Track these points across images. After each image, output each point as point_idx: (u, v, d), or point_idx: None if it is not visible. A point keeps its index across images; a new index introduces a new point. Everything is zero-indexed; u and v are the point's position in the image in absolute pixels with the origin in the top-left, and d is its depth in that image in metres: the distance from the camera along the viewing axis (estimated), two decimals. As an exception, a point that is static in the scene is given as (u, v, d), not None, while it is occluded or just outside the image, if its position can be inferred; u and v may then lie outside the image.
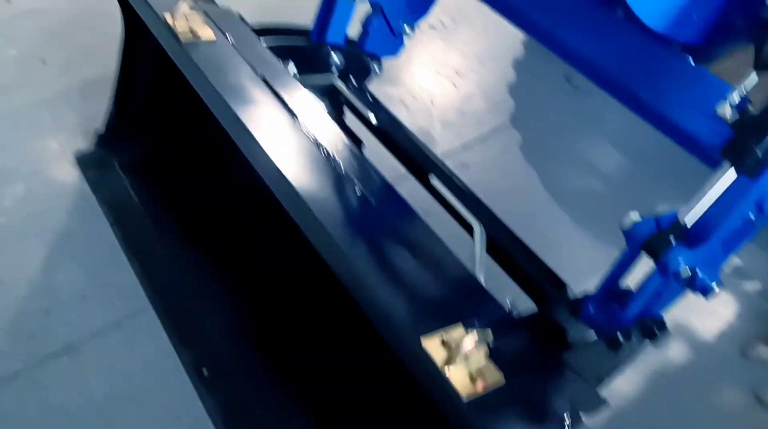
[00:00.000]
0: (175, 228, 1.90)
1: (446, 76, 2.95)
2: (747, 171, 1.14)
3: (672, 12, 1.35)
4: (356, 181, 1.33)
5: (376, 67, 2.04)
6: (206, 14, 1.68)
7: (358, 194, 1.32)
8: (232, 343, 1.64)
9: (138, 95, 2.05)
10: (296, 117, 1.48)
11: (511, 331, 1.17)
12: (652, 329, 1.35)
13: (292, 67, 1.81)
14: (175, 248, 1.84)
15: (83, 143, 2.20)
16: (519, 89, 2.92)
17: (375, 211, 1.30)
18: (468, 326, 1.08)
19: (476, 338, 1.04)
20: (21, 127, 2.31)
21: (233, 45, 1.64)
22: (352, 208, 1.30)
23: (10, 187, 2.09)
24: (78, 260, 1.90)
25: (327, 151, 1.39)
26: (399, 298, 1.16)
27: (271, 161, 1.32)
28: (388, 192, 1.35)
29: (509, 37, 3.02)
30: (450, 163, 2.47)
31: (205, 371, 1.57)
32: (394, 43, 2.07)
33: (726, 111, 1.17)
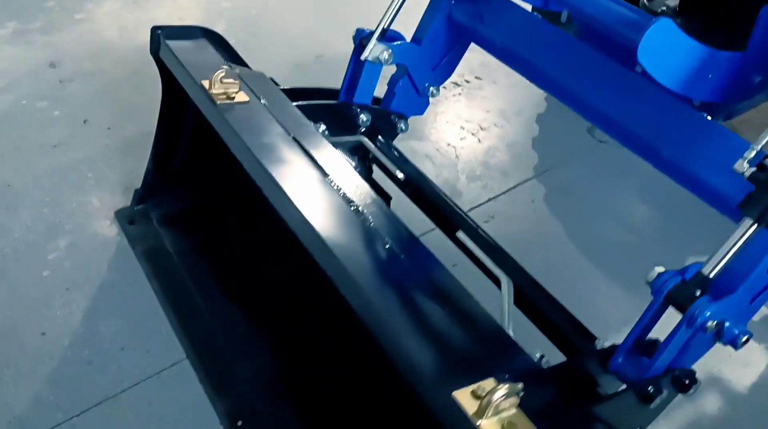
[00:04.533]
0: (210, 280, 1.96)
1: (470, 131, 3.02)
2: (766, 225, 1.17)
3: (687, 73, 1.40)
4: (384, 235, 1.38)
5: (402, 125, 2.12)
6: (240, 78, 1.78)
7: (387, 248, 1.36)
8: (267, 394, 1.68)
9: (176, 153, 2.15)
10: (326, 174, 1.54)
11: (542, 382, 1.19)
12: (683, 381, 1.36)
13: (321, 127, 1.89)
14: (210, 300, 1.89)
15: (123, 198, 2.30)
16: (543, 143, 2.98)
17: (404, 265, 1.35)
18: (498, 379, 1.11)
19: (507, 390, 1.06)
20: (64, 184, 2.42)
21: (265, 106, 1.73)
22: (381, 261, 1.35)
23: (54, 241, 2.19)
24: (118, 312, 1.97)
25: (356, 207, 1.44)
26: (430, 352, 1.19)
27: (302, 215, 1.38)
28: (415, 246, 1.40)
29: (531, 92, 3.09)
30: (476, 215, 2.55)
31: (240, 423, 1.60)
32: (420, 102, 2.16)
33: (743, 167, 1.20)
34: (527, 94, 3.19)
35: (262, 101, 1.74)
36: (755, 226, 1.20)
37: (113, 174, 2.47)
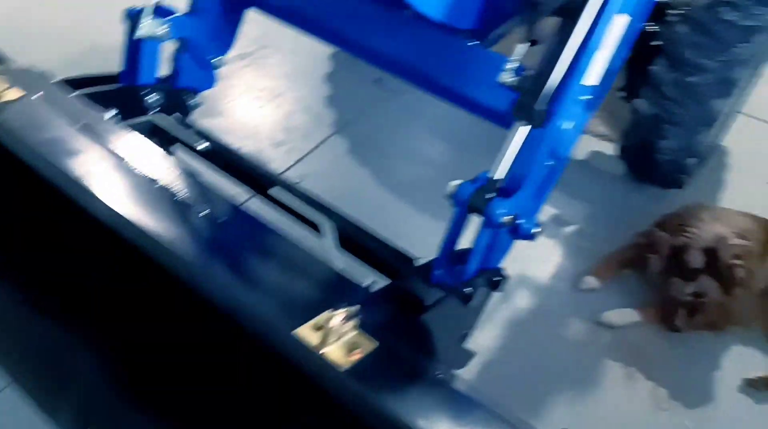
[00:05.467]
0: (25, 296, 1.82)
1: (266, 100, 3.04)
2: (535, 123, 1.35)
3: (446, 3, 1.54)
4: (197, 206, 1.38)
5: (194, 101, 2.09)
6: (8, 74, 1.65)
7: (202, 216, 1.36)
8: (108, 391, 1.62)
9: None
10: (122, 158, 1.49)
11: (374, 304, 1.28)
12: (493, 278, 1.53)
13: (110, 113, 1.81)
14: (29, 315, 1.77)
15: None
16: (336, 100, 3.08)
17: (223, 229, 1.36)
18: (334, 309, 1.18)
19: (344, 315, 1.14)
20: None
21: (43, 100, 1.62)
22: (199, 230, 1.36)
23: None
24: None
25: (161, 184, 1.42)
26: (265, 302, 1.22)
27: (107, 206, 1.33)
28: (231, 210, 1.42)
29: (317, 53, 3.17)
30: (287, 178, 2.59)
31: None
32: (207, 75, 2.13)
33: (506, 78, 1.37)
34: (313, 57, 3.27)
35: (39, 96, 1.63)
36: (527, 127, 1.36)
37: None
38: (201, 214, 1.37)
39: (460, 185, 1.40)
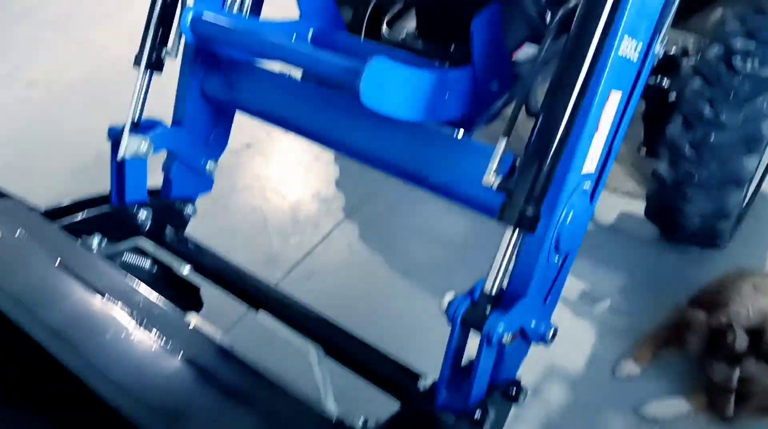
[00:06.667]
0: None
1: (273, 190, 2.97)
2: (526, 228, 1.21)
3: (421, 101, 1.42)
4: (178, 350, 1.27)
5: (189, 209, 2.02)
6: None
7: (184, 362, 1.26)
8: None
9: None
10: (103, 294, 1.41)
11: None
12: (509, 393, 1.37)
13: (95, 240, 1.74)
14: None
15: None
16: (344, 183, 2.98)
17: (203, 375, 1.25)
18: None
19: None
20: None
21: (23, 238, 1.56)
22: (178, 380, 1.25)
23: None
24: None
25: (142, 325, 1.32)
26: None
27: (85, 359, 1.24)
28: (213, 351, 1.31)
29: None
30: (297, 275, 2.49)
31: None
32: (201, 181, 2.06)
33: (491, 180, 1.23)
34: (319, 140, 3.20)
35: (19, 233, 1.57)
36: (517, 231, 1.23)
37: None
38: (181, 359, 1.26)
39: (454, 300, 1.27)
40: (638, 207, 2.52)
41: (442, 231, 2.67)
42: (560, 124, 1.19)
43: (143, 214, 1.89)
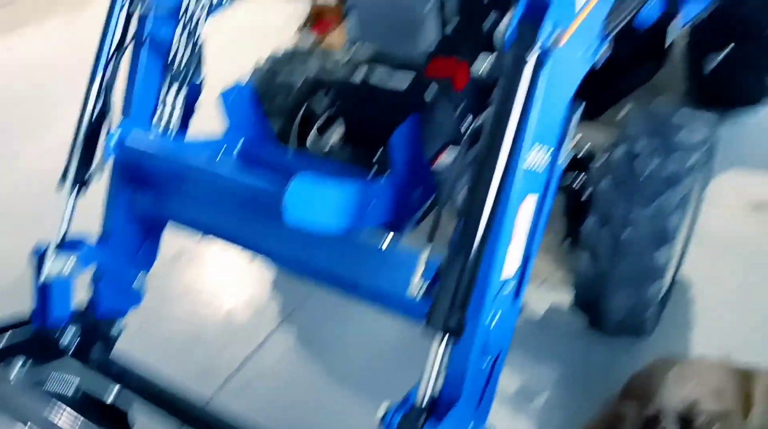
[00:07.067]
0: None
1: (205, 303, 2.92)
2: (452, 333, 1.23)
3: (347, 213, 1.47)
4: None
5: (118, 326, 1.97)
6: None
7: None
8: None
9: None
10: (26, 424, 1.35)
11: None
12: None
13: (16, 367, 1.67)
14: None
15: None
16: (277, 289, 2.95)
17: None
18: None
19: None
20: None
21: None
22: None
23: None
24: None
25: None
26: None
27: None
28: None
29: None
30: (235, 384, 2.43)
31: None
32: (130, 296, 2.03)
33: (415, 290, 1.27)
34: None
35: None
36: (445, 337, 1.25)
37: None
38: None
39: (389, 410, 1.27)
40: (568, 297, 2.58)
41: (378, 335, 2.66)
42: (477, 231, 1.24)
43: (69, 335, 1.84)
